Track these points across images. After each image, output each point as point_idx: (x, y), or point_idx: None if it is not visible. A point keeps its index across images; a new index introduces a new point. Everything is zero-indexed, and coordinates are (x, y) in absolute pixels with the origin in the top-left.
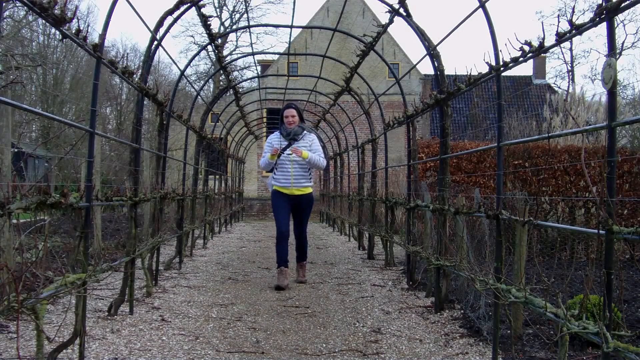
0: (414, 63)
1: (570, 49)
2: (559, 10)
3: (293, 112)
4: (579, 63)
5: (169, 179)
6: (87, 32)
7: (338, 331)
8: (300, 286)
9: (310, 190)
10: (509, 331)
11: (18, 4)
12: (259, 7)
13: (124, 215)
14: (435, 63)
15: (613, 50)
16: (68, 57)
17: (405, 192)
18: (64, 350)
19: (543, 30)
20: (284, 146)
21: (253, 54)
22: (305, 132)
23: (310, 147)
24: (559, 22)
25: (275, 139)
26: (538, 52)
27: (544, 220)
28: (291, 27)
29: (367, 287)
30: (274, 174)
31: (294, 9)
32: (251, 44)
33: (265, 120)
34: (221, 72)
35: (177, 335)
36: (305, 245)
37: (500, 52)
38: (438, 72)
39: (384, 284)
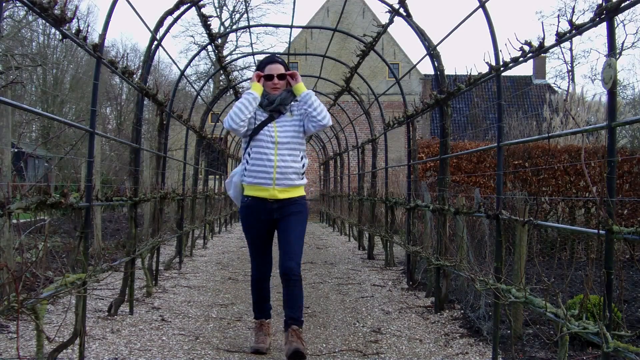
0: (414, 63)
1: (570, 49)
2: (559, 10)
3: (279, 68)
4: (579, 63)
5: (169, 179)
6: (87, 32)
7: (338, 331)
8: None
9: (302, 192)
10: (509, 331)
11: (18, 4)
12: (259, 7)
13: (124, 215)
14: (435, 63)
15: (613, 50)
16: (68, 57)
17: (405, 192)
18: (64, 350)
19: (543, 30)
20: (262, 120)
21: (253, 54)
22: (294, 102)
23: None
24: (559, 22)
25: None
26: (538, 52)
27: (544, 220)
28: (291, 27)
29: (367, 287)
30: (246, 165)
31: (294, 9)
32: (251, 44)
33: None
34: (221, 72)
35: (177, 335)
36: (299, 293)
37: (500, 52)
38: (438, 72)
39: (384, 284)
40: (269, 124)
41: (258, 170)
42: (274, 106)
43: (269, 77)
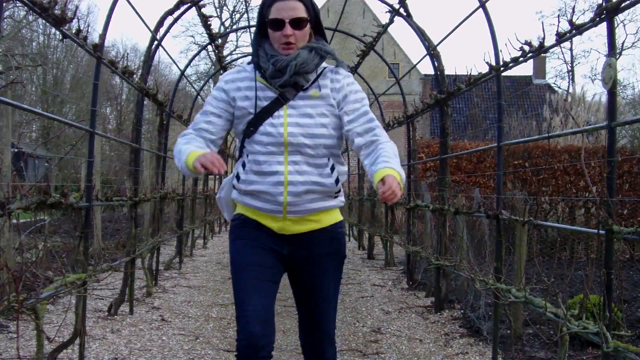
0: (414, 63)
1: (570, 49)
2: (559, 10)
3: (296, 7)
4: (579, 63)
5: (169, 179)
6: (87, 32)
7: (338, 331)
8: None
9: (336, 216)
10: (508, 331)
11: (18, 4)
12: None
13: (124, 215)
14: (435, 63)
15: (613, 50)
16: (68, 57)
17: (405, 192)
18: (64, 350)
19: (543, 30)
20: (269, 101)
21: None
22: (326, 65)
23: (350, 111)
24: (559, 22)
25: (238, 84)
26: (538, 52)
27: (543, 220)
28: None
29: (367, 287)
30: (235, 180)
31: None
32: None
33: None
34: (221, 72)
35: (177, 335)
36: None
37: (500, 52)
38: (438, 72)
39: (384, 283)
40: (278, 111)
41: (257, 190)
42: (287, 77)
43: (277, 24)
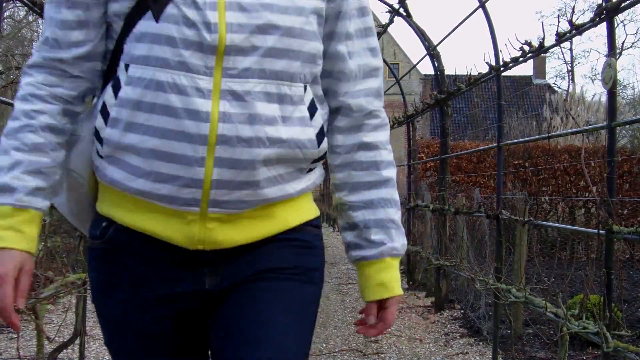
0: (414, 63)
1: (570, 49)
2: (559, 10)
3: None
4: (579, 63)
5: None
6: None
7: (338, 331)
8: None
9: (308, 211)
10: (509, 331)
11: (18, 4)
12: None
13: None
14: (435, 63)
15: (613, 50)
16: None
17: (405, 192)
18: (64, 350)
19: (543, 30)
20: None
21: None
22: None
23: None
24: (559, 22)
25: None
26: (538, 52)
27: (544, 220)
28: None
29: None
30: (107, 104)
31: None
32: None
33: None
34: None
35: None
36: None
37: (500, 52)
38: (438, 72)
39: None
40: None
41: (146, 146)
42: None
43: None
